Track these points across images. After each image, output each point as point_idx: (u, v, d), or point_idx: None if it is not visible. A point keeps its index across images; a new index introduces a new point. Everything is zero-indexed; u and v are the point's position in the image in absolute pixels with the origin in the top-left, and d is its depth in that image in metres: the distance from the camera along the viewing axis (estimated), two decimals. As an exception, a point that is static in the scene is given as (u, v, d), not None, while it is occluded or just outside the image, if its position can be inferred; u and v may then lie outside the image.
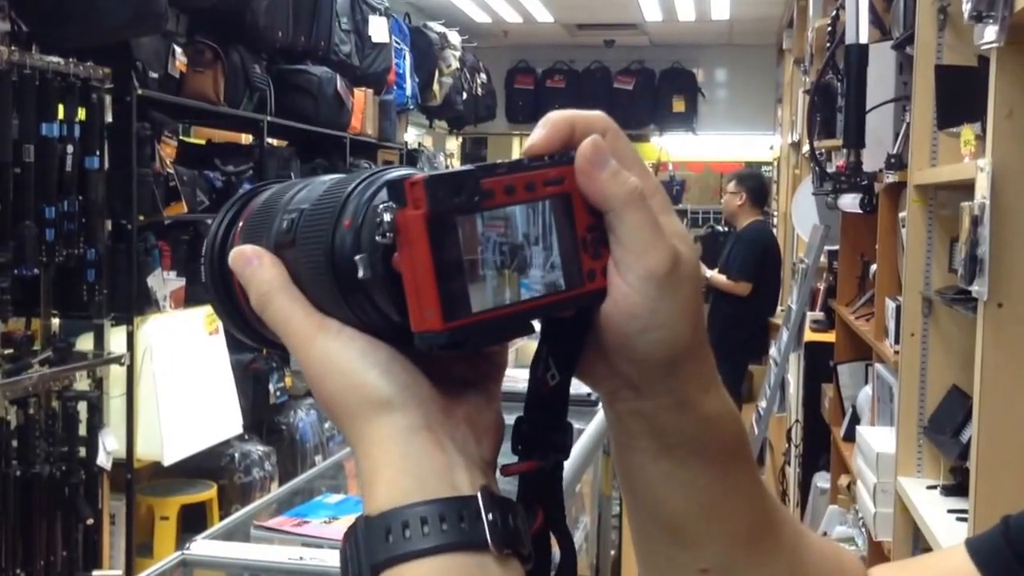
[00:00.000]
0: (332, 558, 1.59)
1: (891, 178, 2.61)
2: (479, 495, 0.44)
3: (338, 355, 0.46)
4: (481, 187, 0.42)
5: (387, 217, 0.42)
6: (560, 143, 0.46)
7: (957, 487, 2.23)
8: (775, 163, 8.68)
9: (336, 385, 0.46)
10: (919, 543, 2.36)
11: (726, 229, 7.68)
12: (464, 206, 0.42)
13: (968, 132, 1.80)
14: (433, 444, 0.45)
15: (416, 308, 0.42)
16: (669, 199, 0.49)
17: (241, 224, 0.52)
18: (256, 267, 0.48)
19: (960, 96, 1.96)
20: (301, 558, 1.52)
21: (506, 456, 0.49)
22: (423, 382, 0.46)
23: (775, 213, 7.74)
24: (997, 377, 1.60)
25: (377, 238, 0.42)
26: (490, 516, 0.43)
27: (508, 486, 0.49)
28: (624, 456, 0.51)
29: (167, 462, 3.75)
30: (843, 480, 3.65)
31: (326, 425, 5.27)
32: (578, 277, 0.45)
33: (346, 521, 1.74)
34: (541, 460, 0.48)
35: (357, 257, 0.43)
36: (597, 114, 0.47)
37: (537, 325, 0.48)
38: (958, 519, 2.07)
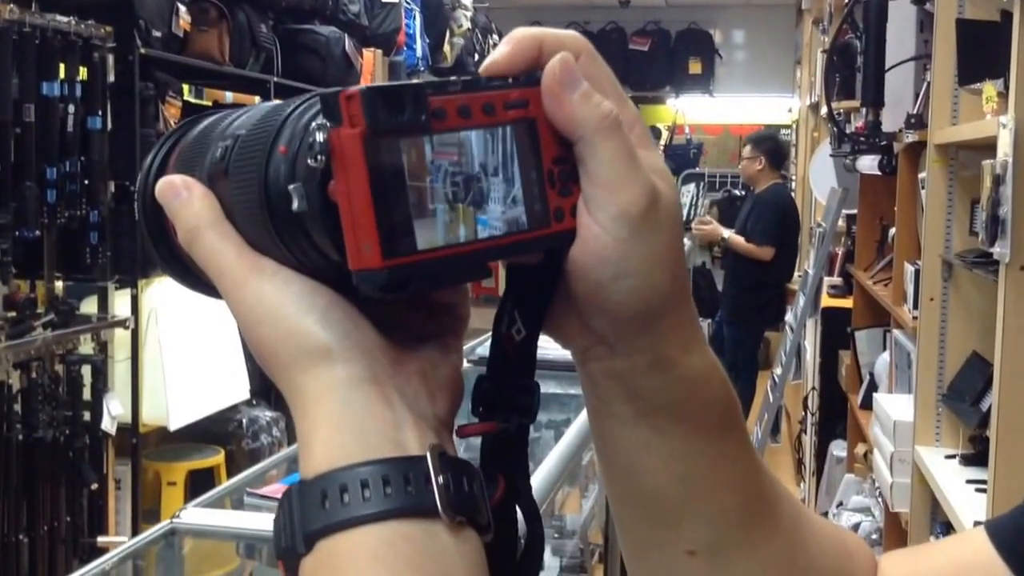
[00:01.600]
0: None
1: (911, 138, 2.56)
2: (428, 455, 0.39)
3: (271, 299, 0.41)
4: (430, 105, 0.37)
5: (320, 137, 0.36)
6: (525, 63, 0.41)
7: (976, 456, 2.20)
8: (793, 126, 8.57)
9: (269, 333, 0.41)
10: (937, 514, 2.33)
11: (742, 192, 7.61)
12: (409, 126, 0.36)
13: (990, 88, 1.74)
14: (378, 398, 0.40)
15: (353, 243, 0.36)
16: (649, 133, 0.44)
17: (176, 155, 0.47)
18: (184, 200, 0.43)
19: (982, 52, 1.90)
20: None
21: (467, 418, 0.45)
22: (368, 330, 0.41)
23: (793, 177, 7.65)
24: (1019, 342, 1.56)
25: (309, 162, 0.37)
26: (440, 479, 0.38)
27: (472, 454, 0.44)
28: (599, 423, 0.47)
29: (173, 427, 3.75)
30: (860, 449, 3.62)
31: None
32: (543, 216, 0.40)
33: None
34: (503, 422, 0.44)
35: (291, 187, 0.38)
36: (569, 33, 0.42)
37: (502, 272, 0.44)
38: (977, 490, 2.04)
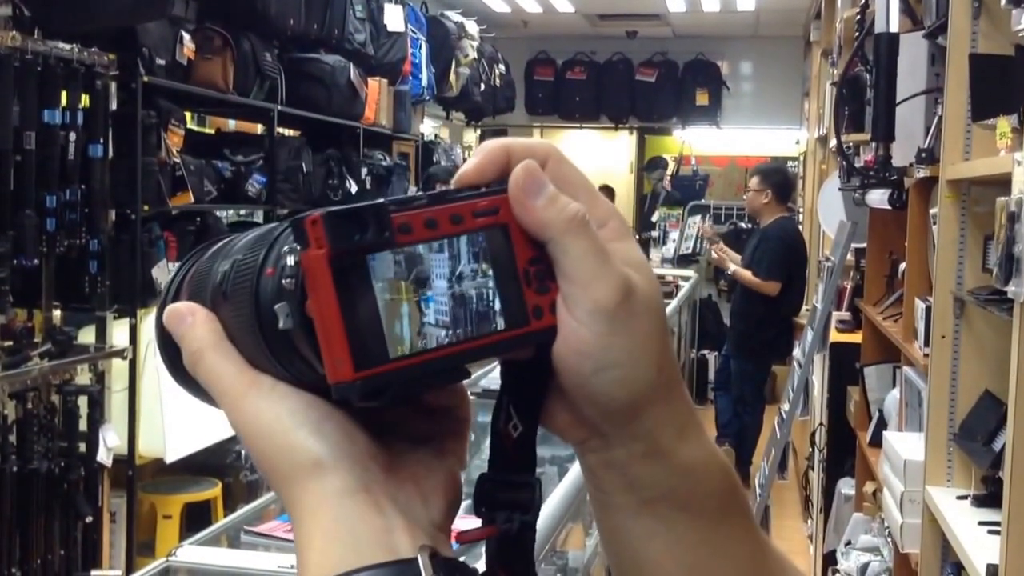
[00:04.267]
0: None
1: (922, 173, 2.54)
2: (419, 557, 0.40)
3: (267, 414, 0.43)
4: (392, 222, 0.39)
5: (290, 260, 0.39)
6: (494, 172, 0.43)
7: (989, 498, 2.16)
8: (801, 158, 8.59)
9: (266, 447, 0.43)
10: (948, 556, 2.30)
11: (749, 225, 7.60)
12: (373, 243, 0.39)
13: (1004, 124, 1.73)
14: (369, 507, 0.42)
15: (328, 357, 0.38)
16: (628, 226, 0.45)
17: (188, 279, 0.50)
18: (188, 325, 0.46)
19: (995, 87, 1.89)
20: (292, 566, 1.47)
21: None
22: (360, 439, 0.43)
23: (801, 209, 7.66)
24: (1034, 383, 1.53)
25: (284, 283, 0.40)
26: None
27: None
28: (603, 515, 0.47)
29: (170, 459, 3.73)
30: (869, 487, 3.59)
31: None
32: (521, 315, 0.42)
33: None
34: (505, 523, 0.44)
35: (277, 306, 0.40)
36: (537, 140, 0.45)
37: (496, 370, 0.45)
38: (990, 532, 2.01)
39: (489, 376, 2.17)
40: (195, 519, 4.04)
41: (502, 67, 8.50)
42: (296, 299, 0.40)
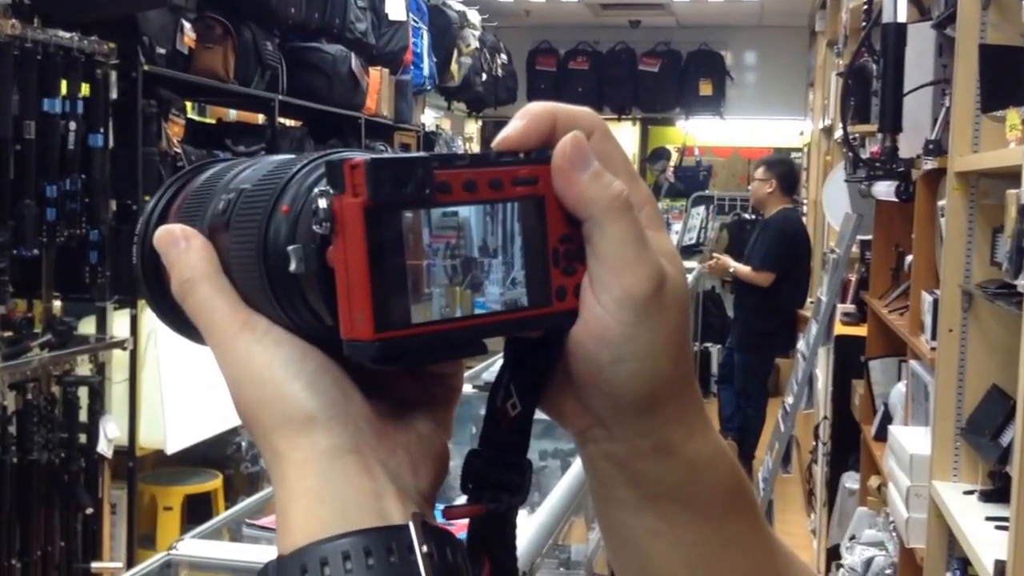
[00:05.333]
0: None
1: (929, 164, 2.54)
2: (411, 524, 0.38)
3: (259, 359, 0.41)
4: (435, 178, 0.37)
5: (323, 203, 0.37)
6: (538, 138, 0.41)
7: (996, 493, 2.16)
8: (805, 149, 8.57)
9: (254, 394, 0.41)
10: (954, 551, 2.30)
11: (753, 216, 7.59)
12: (412, 198, 0.37)
13: (1014, 116, 1.73)
14: (360, 469, 0.40)
15: (347, 312, 0.37)
16: (661, 215, 0.44)
17: (179, 202, 0.48)
18: (182, 250, 0.43)
19: (1005, 78, 1.88)
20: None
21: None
22: (356, 398, 0.41)
23: (805, 201, 7.64)
24: (1043, 378, 1.53)
25: (313, 227, 0.37)
26: (424, 548, 0.38)
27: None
28: (603, 509, 0.46)
29: (170, 450, 3.73)
30: (873, 481, 3.59)
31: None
32: (544, 294, 0.40)
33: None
34: (492, 503, 0.43)
35: (290, 248, 0.39)
36: (583, 109, 0.42)
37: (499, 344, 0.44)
38: (997, 527, 2.01)
39: (490, 370, 2.17)
40: (196, 511, 4.04)
41: (504, 57, 8.48)
42: (315, 244, 0.38)
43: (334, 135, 5.44)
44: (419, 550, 0.38)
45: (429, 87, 6.90)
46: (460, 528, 0.43)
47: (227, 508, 4.15)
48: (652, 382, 0.41)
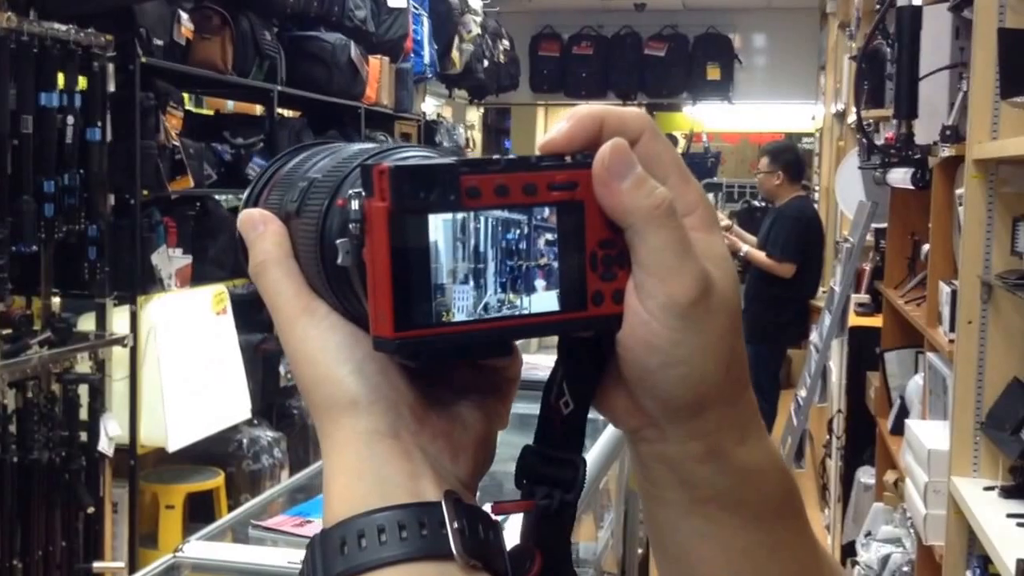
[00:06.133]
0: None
1: (947, 152, 2.53)
2: (443, 501, 0.41)
3: (315, 343, 0.45)
4: (462, 184, 0.39)
5: (355, 205, 0.40)
6: (583, 141, 0.42)
7: (1017, 489, 2.16)
8: (817, 134, 8.55)
9: (309, 374, 0.45)
10: (974, 548, 2.30)
11: (763, 204, 7.58)
12: (436, 203, 0.39)
13: (1036, 102, 1.72)
14: (397, 452, 0.43)
15: (372, 309, 0.39)
16: (715, 215, 0.45)
17: (269, 187, 0.51)
18: (259, 234, 0.47)
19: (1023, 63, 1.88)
20: (292, 561, 1.47)
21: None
22: (399, 386, 0.44)
23: (817, 187, 7.63)
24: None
25: (350, 226, 0.40)
26: (455, 524, 0.40)
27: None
28: (652, 509, 0.47)
29: (172, 448, 3.74)
30: (889, 476, 3.58)
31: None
32: (579, 299, 0.42)
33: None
34: (544, 499, 0.45)
35: (339, 241, 0.41)
36: (632, 111, 0.44)
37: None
38: (1019, 524, 2.01)
39: (528, 368, 2.16)
40: (198, 509, 4.06)
41: (506, 43, 8.46)
42: (357, 240, 0.40)
43: (334, 126, 5.43)
44: (450, 525, 0.40)
45: (430, 75, 6.89)
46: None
47: (229, 506, 4.18)
48: (701, 386, 0.42)
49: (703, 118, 10.04)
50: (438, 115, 7.84)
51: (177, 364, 3.79)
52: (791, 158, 5.92)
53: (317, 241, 0.43)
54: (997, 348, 2.29)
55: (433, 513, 0.41)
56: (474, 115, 9.71)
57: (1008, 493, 2.19)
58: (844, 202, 4.95)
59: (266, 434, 4.47)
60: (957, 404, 2.37)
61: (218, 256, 4.25)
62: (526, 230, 0.40)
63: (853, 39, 5.10)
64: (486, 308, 0.40)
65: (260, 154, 4.54)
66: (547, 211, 0.41)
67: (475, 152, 8.79)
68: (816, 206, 6.77)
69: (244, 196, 0.53)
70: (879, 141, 3.63)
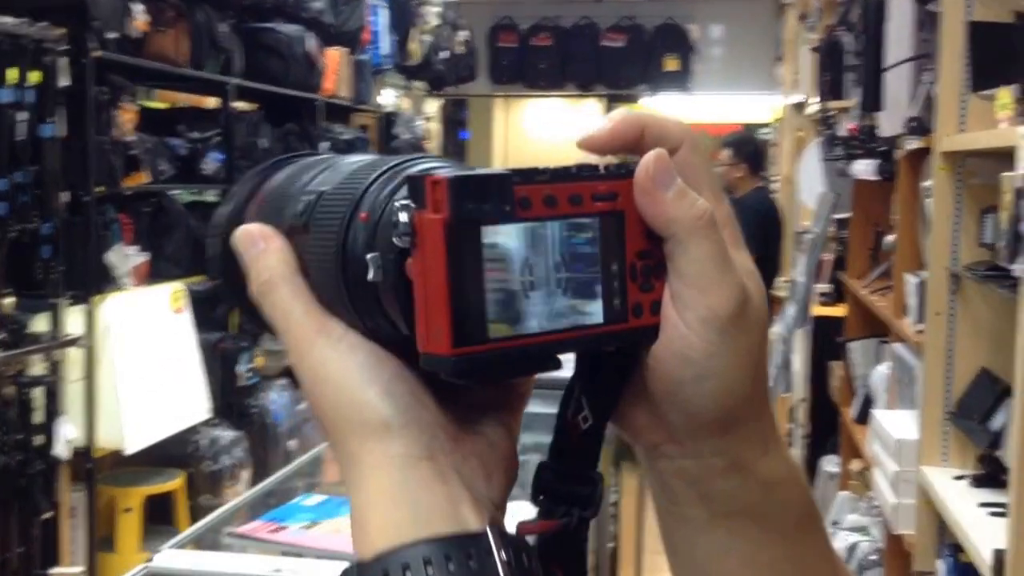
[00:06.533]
0: (312, 569, 1.52)
1: (914, 144, 2.55)
2: (488, 531, 0.40)
3: (336, 365, 0.43)
4: (515, 194, 0.38)
5: (403, 217, 0.38)
6: (623, 144, 0.42)
7: (987, 478, 2.19)
8: (774, 125, 8.61)
9: (330, 399, 0.42)
10: (944, 537, 2.33)
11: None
12: (492, 215, 0.38)
13: (1005, 95, 1.74)
14: (435, 476, 0.41)
15: (424, 326, 0.38)
16: (740, 233, 0.45)
17: (257, 201, 0.49)
18: (261, 251, 0.45)
19: (996, 55, 1.90)
20: (278, 569, 1.45)
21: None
22: (430, 405, 0.43)
23: (775, 177, 7.68)
24: (1042, 364, 1.54)
25: (394, 240, 0.39)
26: (502, 555, 0.39)
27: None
28: (670, 525, 0.47)
29: (129, 450, 3.69)
30: (855, 465, 3.62)
31: (300, 407, 5.21)
32: (620, 311, 0.41)
33: (328, 526, 1.68)
34: (564, 517, 0.44)
35: (369, 256, 0.40)
36: (674, 120, 0.43)
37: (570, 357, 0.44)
38: (991, 514, 2.03)
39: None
40: (157, 512, 4.00)
41: (465, 34, 8.42)
42: (394, 254, 0.39)
43: (291, 119, 5.38)
44: (498, 556, 0.39)
45: (388, 66, 6.84)
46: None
47: (190, 508, 4.13)
48: (732, 400, 0.42)
49: (662, 109, 10.08)
50: (397, 106, 7.79)
51: (134, 364, 3.73)
52: (753, 150, 5.95)
53: (337, 255, 0.42)
54: (965, 339, 2.32)
55: (480, 544, 0.40)
56: (432, 106, 9.66)
57: (978, 482, 2.22)
58: (805, 193, 4.99)
59: (226, 434, 4.42)
60: (926, 394, 2.40)
61: (175, 253, 4.19)
62: (572, 241, 0.40)
63: (813, 30, 5.14)
64: (538, 322, 0.39)
65: (216, 148, 4.48)
66: (591, 221, 0.40)
67: (432, 144, 8.75)
68: (774, 196, 6.82)
69: (222, 213, 0.50)
70: (840, 132, 3.67)
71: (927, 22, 2.73)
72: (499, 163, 10.74)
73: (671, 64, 9.51)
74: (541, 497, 0.45)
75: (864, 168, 3.19)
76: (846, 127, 3.61)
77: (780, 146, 7.79)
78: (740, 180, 5.83)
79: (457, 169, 0.40)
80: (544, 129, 10.62)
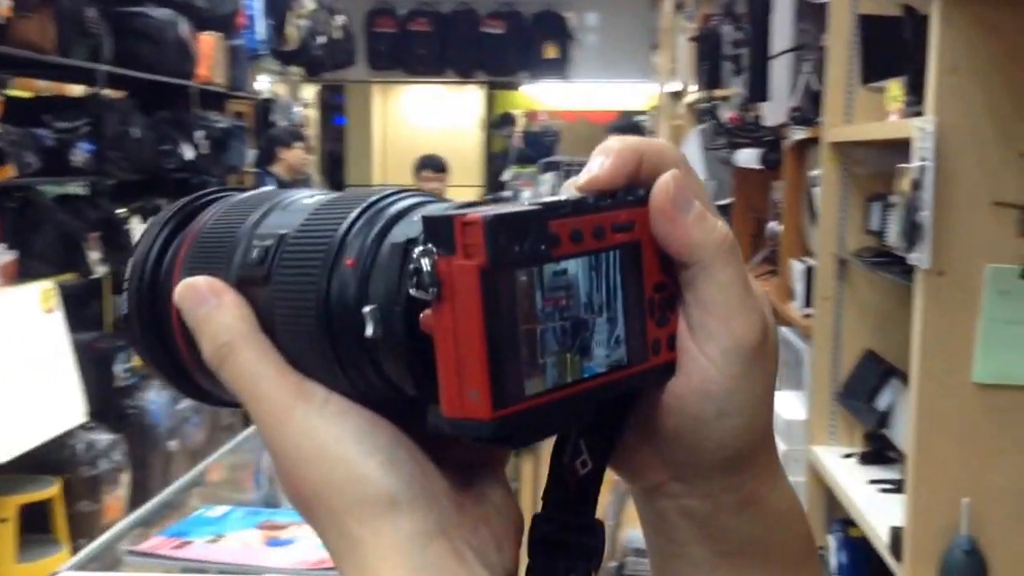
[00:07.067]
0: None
1: (801, 134, 2.62)
2: None
3: (324, 435, 0.37)
4: (548, 231, 0.35)
5: (426, 264, 0.33)
6: (626, 177, 0.38)
7: (875, 455, 2.27)
8: (651, 113, 8.76)
9: (320, 474, 0.37)
10: (834, 513, 2.41)
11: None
12: (527, 256, 0.34)
13: (895, 87, 1.79)
14: (449, 554, 0.37)
15: (454, 388, 0.34)
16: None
17: (185, 248, 0.43)
18: (214, 307, 0.39)
19: (885, 48, 1.95)
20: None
21: None
22: (433, 473, 0.39)
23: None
24: (936, 347, 1.60)
25: (412, 291, 0.34)
26: None
27: None
28: (668, 566, 0.44)
29: (2, 459, 3.51)
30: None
31: (179, 406, 5.07)
32: (642, 350, 0.38)
33: (234, 538, 1.61)
34: (569, 573, 0.41)
35: (366, 309, 0.36)
36: (666, 144, 0.41)
37: None
38: (881, 490, 2.11)
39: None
40: (33, 521, 3.83)
41: (342, 18, 8.29)
42: (399, 306, 0.35)
43: (164, 107, 5.20)
44: None
45: (264, 51, 6.68)
46: None
47: (68, 515, 3.96)
48: (751, 436, 0.40)
49: (541, 96, 10.13)
50: (273, 93, 7.61)
51: (2, 368, 3.56)
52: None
53: (319, 310, 0.37)
54: (852, 322, 2.39)
55: None
56: (309, 92, 9.48)
57: (866, 459, 2.30)
58: (688, 180, 5.08)
59: (103, 437, 4.26)
60: (814, 375, 2.47)
61: (44, 250, 4.00)
62: (598, 278, 0.37)
63: (692, 20, 5.23)
64: (570, 372, 0.36)
65: (85, 139, 4.29)
66: (613, 255, 0.37)
67: (311, 131, 8.59)
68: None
69: (136, 260, 0.43)
70: (722, 121, 3.74)
71: (806, 13, 2.81)
72: (378, 149, 10.65)
73: (551, 51, 9.58)
74: (540, 556, 0.41)
75: (748, 157, 3.26)
76: (727, 116, 3.69)
77: (657, 134, 7.92)
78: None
79: (453, 206, 0.36)
80: (423, 116, 10.55)
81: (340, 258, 0.37)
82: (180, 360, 0.42)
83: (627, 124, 6.43)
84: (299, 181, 6.31)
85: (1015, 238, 1.48)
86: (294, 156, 6.05)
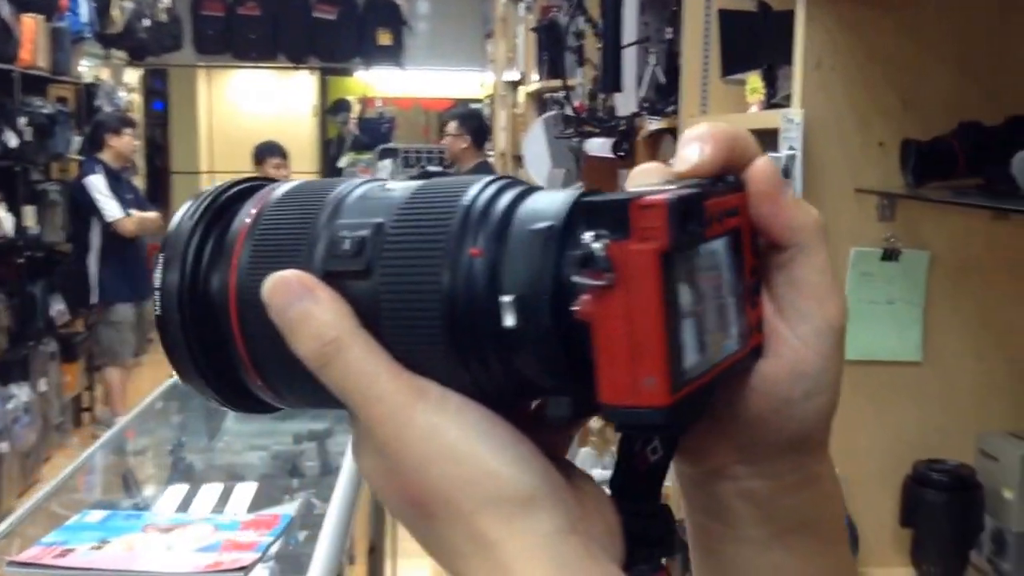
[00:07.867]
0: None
1: (655, 125, 2.70)
2: None
3: (449, 433, 0.36)
4: (705, 212, 0.35)
5: (599, 249, 0.33)
6: (723, 165, 0.38)
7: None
8: (487, 101, 8.81)
9: (448, 474, 0.36)
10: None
11: (439, 169, 7.70)
12: (693, 238, 0.34)
13: (755, 80, 1.87)
14: (584, 551, 0.36)
15: (626, 375, 0.33)
16: None
17: (239, 243, 0.40)
18: (311, 303, 0.36)
19: (743, 42, 2.04)
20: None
21: None
22: (552, 467, 0.37)
23: (491, 152, 7.87)
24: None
25: (574, 278, 0.33)
26: None
27: None
28: (720, 548, 0.44)
29: None
30: (594, 422, 3.80)
31: (8, 406, 4.79)
32: (746, 332, 0.38)
33: (120, 543, 1.53)
34: (647, 561, 0.40)
35: (504, 299, 0.34)
36: (745, 130, 0.41)
37: None
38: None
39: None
40: None
41: (168, 1, 7.97)
42: (547, 295, 0.34)
43: (-17, 90, 4.88)
44: None
45: (88, 34, 6.35)
46: None
47: None
48: (830, 415, 0.40)
49: (376, 83, 10.03)
50: (96, 77, 7.24)
51: None
52: (478, 125, 6.12)
53: (441, 301, 0.35)
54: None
55: None
56: (133, 76, 9.06)
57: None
58: (534, 169, 5.14)
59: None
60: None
61: None
62: (719, 263, 0.37)
63: (531, 11, 5.29)
64: (717, 353, 0.36)
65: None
66: (730, 239, 0.37)
67: (136, 116, 8.22)
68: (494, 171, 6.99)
69: (178, 263, 0.40)
70: (567, 111, 3.81)
71: (647, 5, 2.90)
72: (204, 135, 10.29)
73: (384, 38, 9.50)
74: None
75: (599, 146, 3.33)
76: (574, 104, 3.76)
77: (494, 122, 7.98)
78: (464, 152, 5.96)
79: (591, 192, 0.36)
80: (254, 102, 10.26)
81: (462, 246, 0.36)
82: (232, 363, 0.40)
83: (466, 112, 6.45)
84: (126, 168, 6.04)
85: (876, 222, 1.57)
86: (123, 143, 5.79)
